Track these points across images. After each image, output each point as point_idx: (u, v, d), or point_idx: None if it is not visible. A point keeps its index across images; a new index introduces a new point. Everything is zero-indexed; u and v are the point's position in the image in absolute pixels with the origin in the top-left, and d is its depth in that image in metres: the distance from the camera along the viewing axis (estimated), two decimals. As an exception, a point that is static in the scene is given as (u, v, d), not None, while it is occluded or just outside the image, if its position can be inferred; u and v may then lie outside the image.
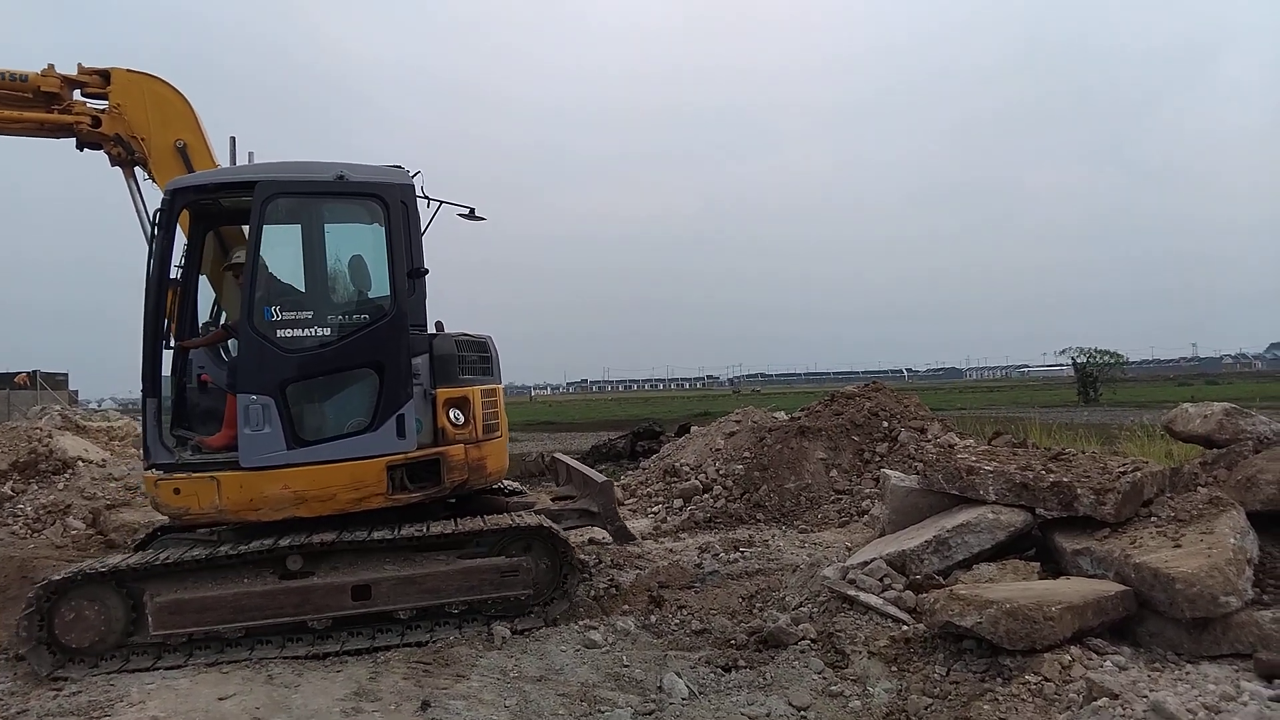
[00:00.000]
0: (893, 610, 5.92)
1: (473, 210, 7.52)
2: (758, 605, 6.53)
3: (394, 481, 6.52)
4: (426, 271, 6.73)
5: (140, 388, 6.62)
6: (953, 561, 6.27)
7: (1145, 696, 4.47)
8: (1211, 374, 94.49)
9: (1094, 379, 51.58)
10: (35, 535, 10.17)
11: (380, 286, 6.81)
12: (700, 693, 5.31)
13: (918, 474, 7.65)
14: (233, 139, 8.10)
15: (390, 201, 6.67)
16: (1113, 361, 53.42)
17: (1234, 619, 4.90)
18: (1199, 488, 6.23)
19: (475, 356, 7.20)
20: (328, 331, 6.51)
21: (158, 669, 5.86)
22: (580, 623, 6.32)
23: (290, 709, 5.18)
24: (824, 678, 5.40)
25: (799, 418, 13.15)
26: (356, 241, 6.98)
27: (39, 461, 11.80)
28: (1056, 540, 6.12)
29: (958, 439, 11.55)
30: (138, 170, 7.75)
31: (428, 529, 6.44)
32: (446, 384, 6.79)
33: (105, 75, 7.73)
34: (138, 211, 7.64)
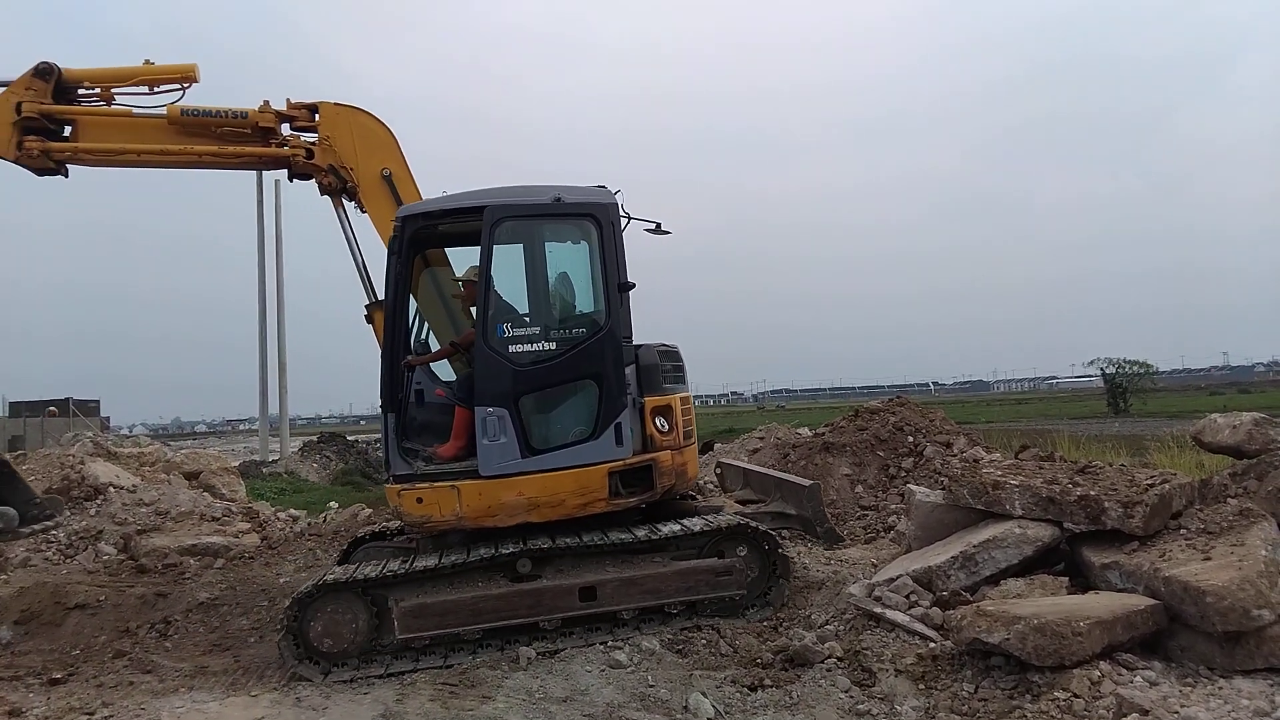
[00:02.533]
0: (920, 627, 5.88)
1: (659, 225, 7.91)
2: (783, 623, 6.49)
3: (612, 487, 6.81)
4: (633, 285, 7.05)
5: (380, 403, 7.04)
6: (980, 577, 6.22)
7: (1177, 712, 4.42)
8: (1244, 382, 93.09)
9: (1124, 390, 50.99)
10: (68, 561, 10.29)
11: (592, 301, 7.19)
12: (726, 712, 5.29)
13: (943, 489, 7.61)
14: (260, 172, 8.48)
15: (602, 220, 7.05)
16: (1143, 372, 52.77)
17: (1267, 633, 4.83)
18: (1229, 499, 6.15)
19: (671, 365, 7.47)
20: (552, 346, 6.87)
21: (406, 672, 6.14)
22: (604, 643, 6.32)
23: (318, 732, 5.22)
24: (851, 696, 5.36)
25: (823, 434, 13.10)
26: (570, 259, 7.31)
27: (71, 488, 11.95)
28: (1084, 554, 6.06)
29: (984, 453, 11.45)
30: (346, 201, 8.01)
31: (656, 532, 6.69)
32: (652, 392, 7.12)
33: (313, 109, 8.00)
34: (347, 239, 7.93)
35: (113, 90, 7.90)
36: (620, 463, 6.83)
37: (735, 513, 7.51)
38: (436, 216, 7.13)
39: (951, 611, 5.77)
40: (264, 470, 27.82)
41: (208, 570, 9.99)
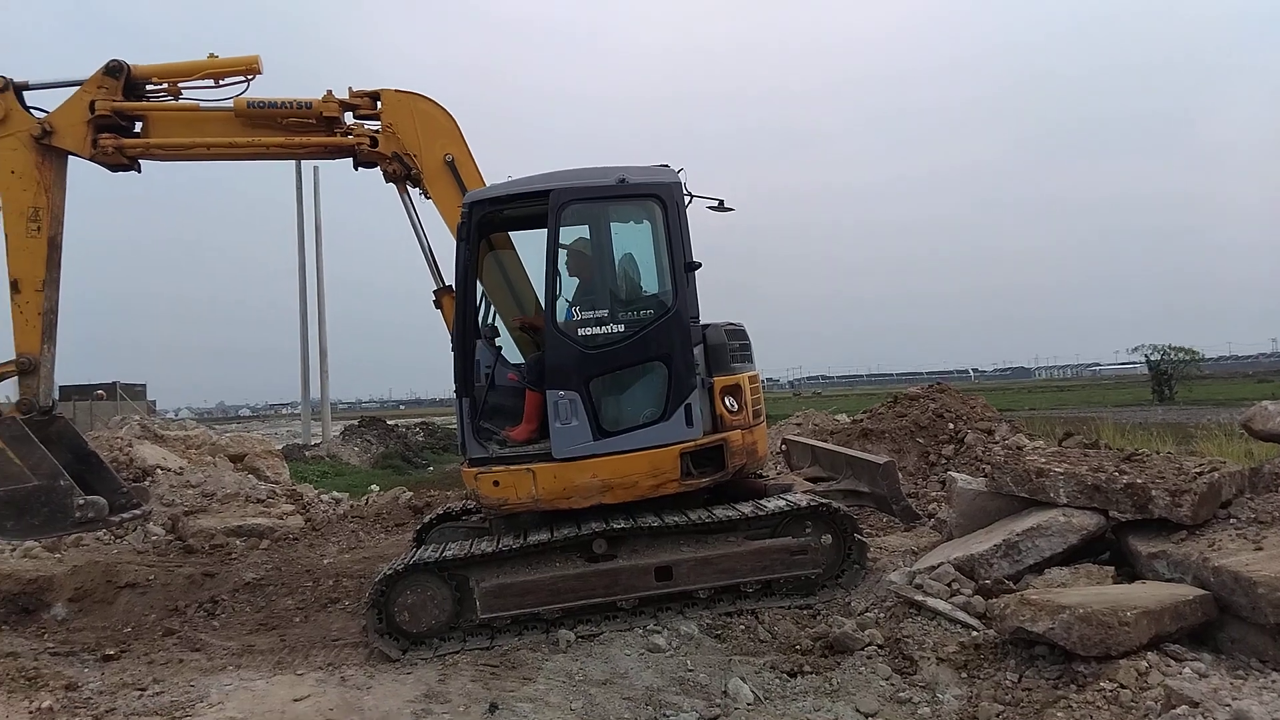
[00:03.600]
0: (962, 616, 5.84)
1: (721, 202, 7.84)
2: (822, 610, 6.48)
3: (684, 468, 6.84)
4: (699, 265, 7.02)
5: (454, 388, 7.08)
6: (1023, 566, 6.16)
7: (1228, 705, 4.34)
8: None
9: (1169, 377, 50.13)
10: (118, 541, 10.52)
11: (658, 282, 7.17)
12: (765, 698, 5.30)
13: (985, 476, 7.53)
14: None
15: (667, 200, 7.02)
16: (1188, 358, 51.82)
17: (1321, 625, 4.73)
18: (1281, 488, 6.02)
19: (738, 344, 7.46)
20: (621, 328, 6.86)
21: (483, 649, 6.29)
22: (644, 627, 6.35)
23: (363, 710, 5.30)
24: (891, 684, 5.35)
25: (861, 420, 13.02)
26: (635, 240, 7.32)
27: (120, 470, 12.18)
28: (1131, 543, 5.97)
29: (1026, 440, 11.32)
30: (410, 188, 8.07)
31: (739, 512, 6.70)
32: (721, 372, 7.11)
33: (375, 97, 8.05)
34: (413, 225, 7.98)
35: (179, 85, 8.00)
36: (691, 443, 6.84)
37: (807, 491, 7.49)
38: (503, 201, 7.13)
39: (994, 600, 5.72)
40: (306, 453, 28.27)
41: (253, 551, 10.18)
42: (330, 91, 7.98)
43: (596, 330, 6.82)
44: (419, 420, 46.48)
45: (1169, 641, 4.94)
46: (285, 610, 7.85)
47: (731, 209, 7.78)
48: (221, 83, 7.95)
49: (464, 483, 7.39)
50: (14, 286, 7.57)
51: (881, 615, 6.19)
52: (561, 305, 6.92)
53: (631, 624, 6.41)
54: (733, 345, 7.32)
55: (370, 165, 8.06)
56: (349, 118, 8.06)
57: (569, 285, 7.10)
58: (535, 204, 7.01)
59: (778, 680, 5.50)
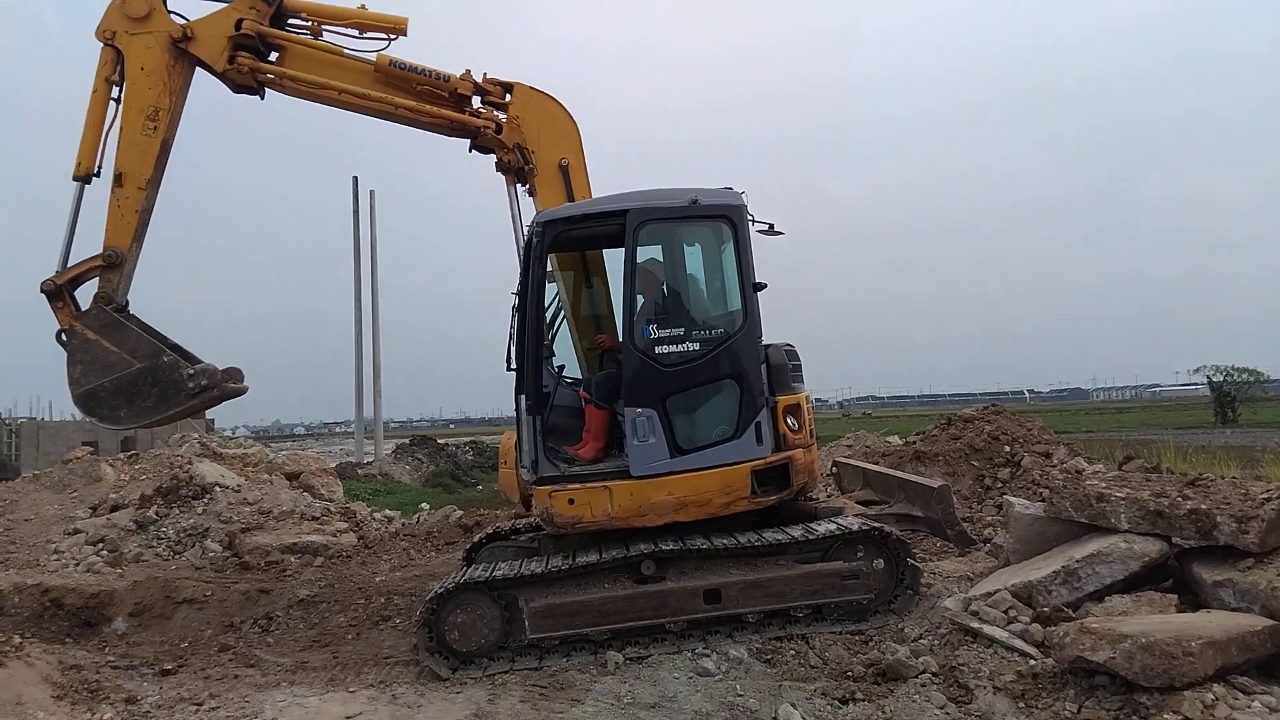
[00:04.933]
0: (1019, 644, 5.72)
1: (771, 226, 7.87)
2: (875, 636, 6.38)
3: (752, 486, 6.87)
4: (764, 285, 7.10)
5: (525, 406, 6.96)
6: (1083, 593, 6.02)
7: (1299, 741, 4.19)
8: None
9: (1232, 398, 48.86)
10: (176, 557, 10.74)
11: (727, 302, 7.22)
12: (817, 724, 5.22)
13: (1043, 501, 7.38)
14: (355, 177, 8.72)
15: (736, 221, 7.11)
16: (1252, 379, 50.49)
17: (1399, 659, 4.55)
18: (1354, 516, 5.80)
19: (794, 365, 7.49)
20: (696, 346, 6.91)
21: (533, 669, 6.30)
22: (692, 650, 6.31)
23: (413, 730, 5.33)
24: (946, 713, 5.24)
25: (914, 442, 12.85)
26: (705, 260, 7.41)
27: (180, 487, 12.47)
28: (1195, 571, 5.80)
29: (1085, 464, 11.08)
30: (515, 183, 8.26)
31: (789, 535, 6.65)
32: (783, 391, 7.13)
33: (507, 87, 8.25)
34: (513, 218, 8.15)
35: (323, 26, 8.19)
36: (761, 461, 6.87)
37: (858, 515, 7.41)
38: (576, 221, 7.14)
39: (1053, 628, 5.59)
40: (359, 471, 28.65)
41: (307, 568, 10.33)
42: (468, 71, 8.15)
43: (673, 349, 6.85)
44: (468, 439, 46.90)
45: (1236, 673, 4.79)
46: (338, 627, 7.94)
47: (781, 233, 7.77)
48: (364, 34, 8.15)
49: (508, 499, 7.59)
50: (118, 179, 7.67)
51: (936, 642, 6.08)
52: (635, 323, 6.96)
53: (680, 647, 6.37)
54: (791, 365, 7.33)
55: (486, 151, 8.19)
56: (476, 101, 8.21)
57: (643, 304, 7.11)
58: (608, 224, 7.11)
59: (829, 707, 5.42)
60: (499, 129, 8.07)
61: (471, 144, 8.30)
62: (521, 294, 7.15)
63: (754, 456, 6.84)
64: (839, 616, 6.60)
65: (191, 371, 7.36)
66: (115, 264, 7.66)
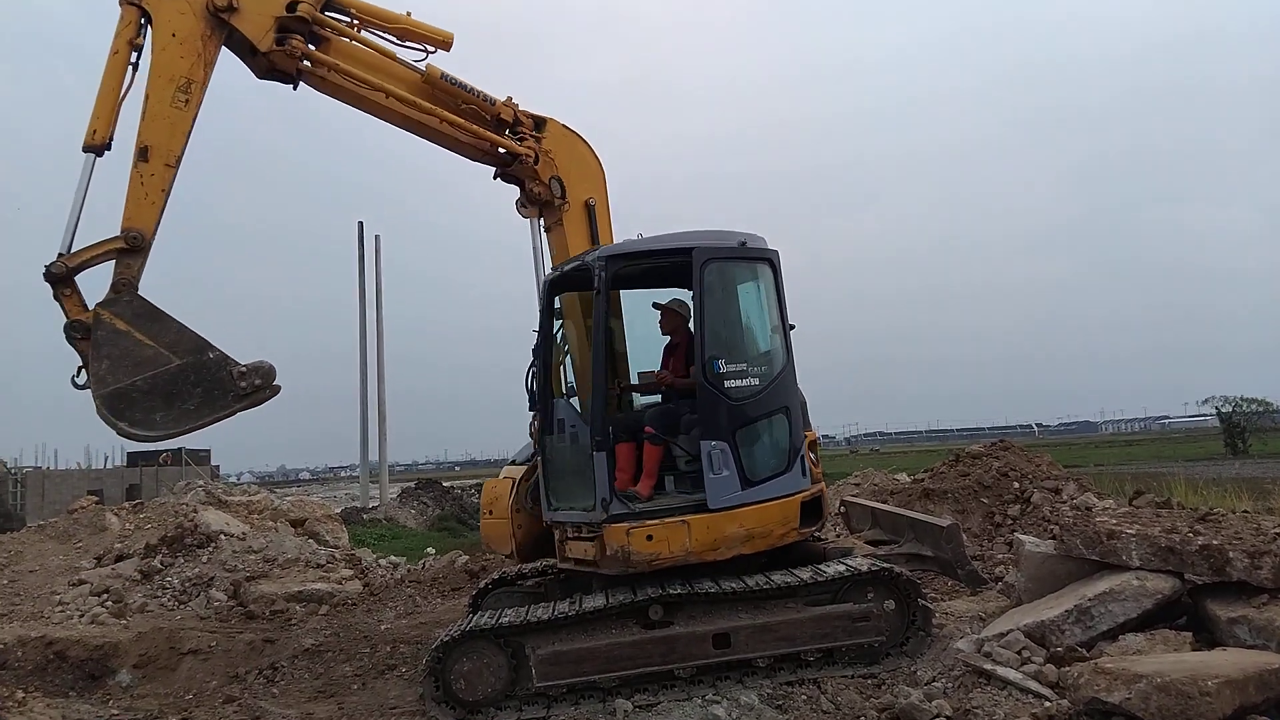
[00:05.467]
0: (1033, 685, 5.64)
1: (793, 325, 7.99)
2: (887, 680, 6.29)
3: (800, 517, 7.05)
4: (795, 326, 7.44)
5: (592, 443, 6.86)
6: (1096, 632, 5.96)
7: (1322, 783, 4.11)
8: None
9: (1242, 429, 48.67)
10: (181, 607, 10.67)
11: (770, 339, 7.43)
12: (830, 771, 5.14)
13: (1053, 538, 7.32)
14: (360, 223, 8.65)
15: (776, 263, 7.46)
16: (1261, 410, 50.34)
17: None
18: (1369, 550, 5.74)
19: (804, 402, 7.63)
20: (756, 381, 7.06)
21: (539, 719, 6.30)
22: (702, 696, 6.22)
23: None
24: (961, 757, 5.16)
25: (922, 479, 12.75)
26: (755, 299, 7.55)
27: (185, 535, 12.41)
28: (1209, 608, 5.75)
29: (1095, 499, 10.97)
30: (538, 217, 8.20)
31: (798, 577, 6.62)
32: (806, 427, 7.42)
33: (540, 121, 8.20)
34: (536, 257, 8.12)
35: (367, 27, 7.80)
36: (807, 493, 7.09)
37: (867, 555, 7.37)
38: (638, 258, 7.24)
39: (1067, 669, 5.52)
40: (364, 516, 28.55)
41: (313, 617, 10.24)
42: (510, 98, 8.06)
43: (739, 383, 6.96)
44: (474, 481, 46.74)
45: (1254, 713, 4.71)
46: (343, 677, 7.86)
47: (794, 325, 7.67)
48: (404, 43, 7.84)
49: (496, 551, 7.58)
50: (142, 154, 6.87)
51: (949, 685, 6.00)
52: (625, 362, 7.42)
53: (690, 693, 6.29)
54: (804, 403, 7.49)
55: (516, 181, 8.07)
56: (506, 133, 8.07)
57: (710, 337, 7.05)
58: (670, 261, 7.24)
59: (842, 753, 5.34)
60: (537, 159, 7.97)
61: (500, 173, 8.12)
62: (540, 333, 7.32)
63: (802, 489, 7.05)
64: (850, 660, 6.52)
65: (243, 369, 6.51)
66: (138, 248, 6.78)
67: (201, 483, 18.25)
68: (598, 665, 6.36)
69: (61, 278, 6.74)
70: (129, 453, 48.90)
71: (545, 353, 7.30)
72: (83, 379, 6.64)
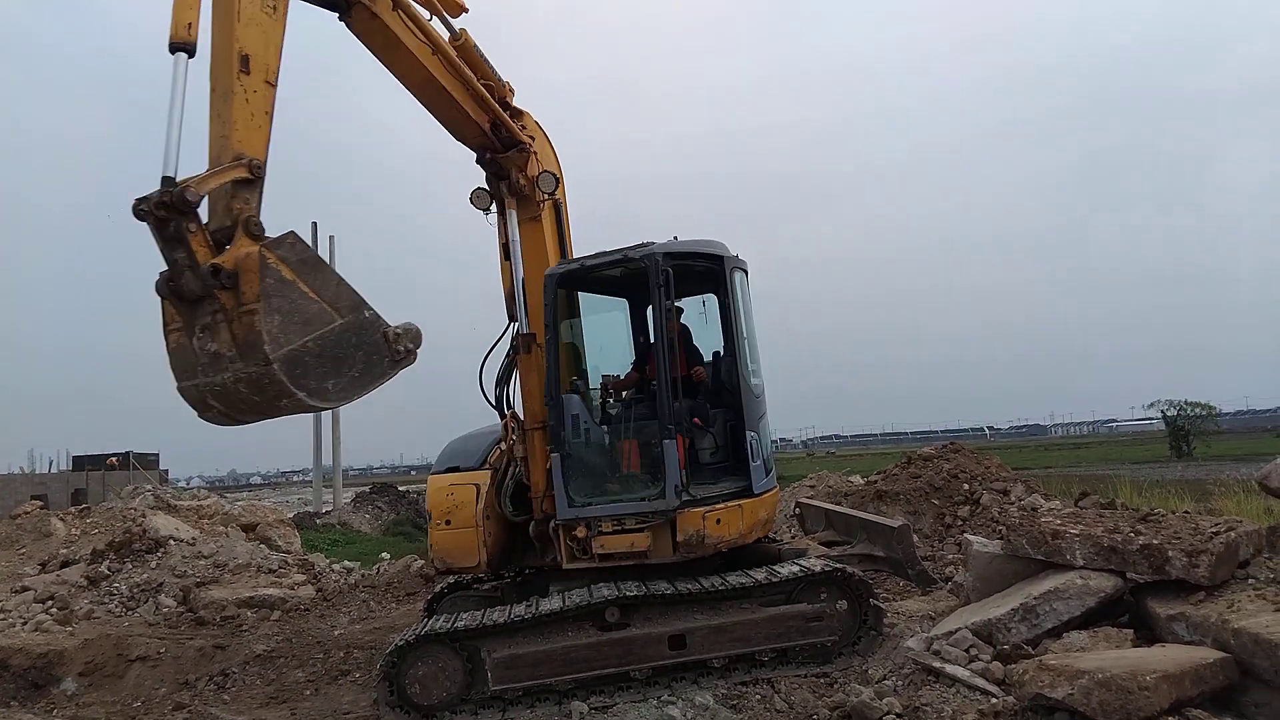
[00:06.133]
0: (980, 682, 5.76)
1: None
2: (839, 678, 6.38)
3: None
4: None
5: (664, 432, 6.94)
6: (1041, 630, 6.09)
7: (1253, 772, 4.25)
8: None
9: (1186, 432, 49.78)
10: (129, 614, 10.48)
11: (751, 343, 7.82)
12: (782, 769, 5.20)
13: (1001, 539, 7.47)
14: (315, 223, 8.17)
15: (748, 273, 7.95)
16: (1205, 414, 51.54)
17: (1346, 688, 4.65)
18: (1300, 548, 5.96)
19: None
20: (760, 381, 7.69)
21: None
22: (658, 697, 6.26)
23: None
24: (910, 753, 5.25)
25: (876, 481, 12.92)
26: (747, 306, 7.93)
27: (133, 541, 12.20)
28: (1150, 606, 5.91)
29: (1042, 500, 11.20)
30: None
31: (753, 578, 6.70)
32: None
33: (518, 113, 7.91)
34: (512, 255, 7.75)
35: None
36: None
37: (821, 556, 7.50)
38: (678, 257, 7.29)
39: (1013, 666, 5.64)
40: (317, 522, 28.15)
41: (264, 622, 10.12)
42: (509, 82, 7.84)
43: (758, 380, 7.62)
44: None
45: (1191, 706, 4.86)
46: (296, 683, 7.79)
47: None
48: (430, 13, 7.19)
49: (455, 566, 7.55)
50: (244, 63, 5.62)
51: (899, 683, 6.10)
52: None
53: (645, 694, 6.33)
54: None
55: (499, 172, 7.74)
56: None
57: (749, 340, 7.69)
58: (700, 264, 7.51)
59: (794, 751, 5.41)
60: (524, 149, 7.74)
61: (487, 158, 7.72)
62: (549, 329, 7.33)
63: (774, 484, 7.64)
64: (804, 659, 6.60)
65: (397, 331, 5.55)
66: (257, 178, 5.48)
67: (150, 487, 17.94)
68: (554, 668, 6.37)
69: (194, 206, 5.08)
70: (74, 456, 47.86)
71: (554, 348, 7.28)
72: (206, 343, 5.05)
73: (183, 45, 5.41)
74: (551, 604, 6.58)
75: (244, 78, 5.54)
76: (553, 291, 7.38)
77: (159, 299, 5.11)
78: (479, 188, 7.86)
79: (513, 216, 7.81)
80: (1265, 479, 7.08)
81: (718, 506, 6.89)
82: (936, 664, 6.03)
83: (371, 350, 5.42)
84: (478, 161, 7.92)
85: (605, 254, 7.38)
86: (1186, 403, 51.19)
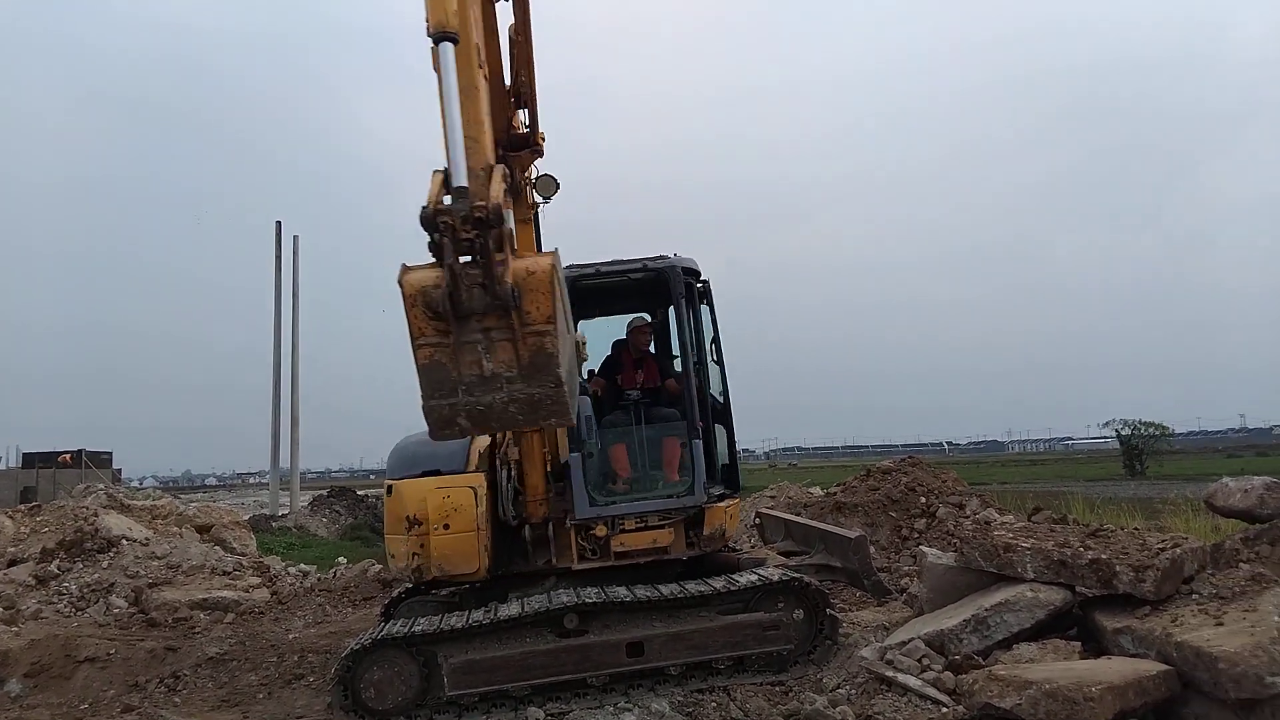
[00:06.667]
0: (931, 692, 5.84)
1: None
2: (794, 687, 6.45)
3: None
4: None
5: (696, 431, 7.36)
6: (992, 641, 6.19)
7: (1192, 782, 4.36)
8: (1261, 445, 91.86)
9: (1139, 451, 50.68)
10: (79, 614, 10.30)
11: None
12: (736, 776, 5.24)
13: (955, 551, 7.58)
14: (279, 222, 7.97)
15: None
16: (1158, 433, 52.52)
17: (1282, 700, 4.79)
18: (1241, 564, 6.13)
19: None
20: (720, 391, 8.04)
21: None
22: (614, 704, 6.28)
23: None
24: (862, 761, 5.31)
25: (835, 493, 13.07)
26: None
27: (84, 540, 12.00)
28: (1097, 619, 6.03)
29: (996, 515, 11.38)
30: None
31: (711, 586, 6.74)
32: None
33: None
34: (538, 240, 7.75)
35: None
36: None
37: (779, 565, 7.57)
38: (688, 274, 7.77)
39: (963, 676, 5.74)
40: (273, 525, 27.80)
41: (217, 625, 10.00)
42: None
43: (717, 393, 7.98)
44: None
45: (1134, 717, 4.98)
46: (248, 686, 7.69)
47: None
48: None
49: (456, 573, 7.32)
50: (479, 55, 5.05)
51: (853, 692, 6.17)
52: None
53: (602, 701, 6.35)
54: None
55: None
56: None
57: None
58: (698, 281, 7.93)
59: (748, 758, 5.45)
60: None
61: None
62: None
63: None
64: (760, 667, 6.65)
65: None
66: (509, 185, 4.99)
67: (102, 486, 17.63)
68: (511, 674, 6.36)
69: (504, 220, 4.53)
70: (24, 454, 46.89)
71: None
72: (479, 362, 4.48)
73: (449, 35, 4.70)
74: (510, 609, 6.57)
75: (482, 71, 5.05)
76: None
77: (407, 310, 4.30)
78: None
79: (510, 216, 7.56)
80: (1211, 498, 7.25)
81: (731, 502, 7.58)
82: (889, 673, 6.11)
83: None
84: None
85: (623, 262, 7.59)
86: (1141, 422, 52.14)
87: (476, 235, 4.26)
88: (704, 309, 7.94)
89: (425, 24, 4.61)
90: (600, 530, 7.14)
